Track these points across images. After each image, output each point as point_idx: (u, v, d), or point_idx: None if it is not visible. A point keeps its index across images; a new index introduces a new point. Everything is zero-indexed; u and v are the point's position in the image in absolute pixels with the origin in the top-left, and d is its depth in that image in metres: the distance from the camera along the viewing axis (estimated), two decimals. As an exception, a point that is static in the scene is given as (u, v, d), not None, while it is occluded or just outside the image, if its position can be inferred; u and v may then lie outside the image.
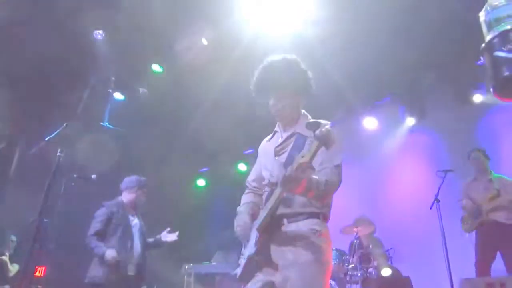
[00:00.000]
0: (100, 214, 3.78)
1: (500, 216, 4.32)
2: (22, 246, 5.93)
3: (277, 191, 1.88)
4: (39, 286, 5.34)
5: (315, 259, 1.87)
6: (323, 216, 2.01)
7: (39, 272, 5.83)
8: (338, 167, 1.93)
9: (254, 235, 2.02)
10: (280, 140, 2.16)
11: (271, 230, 1.98)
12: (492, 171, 4.64)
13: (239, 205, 2.32)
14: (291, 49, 2.56)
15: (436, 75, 5.78)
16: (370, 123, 6.62)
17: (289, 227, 1.97)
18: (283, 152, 2.10)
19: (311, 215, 1.96)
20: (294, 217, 1.97)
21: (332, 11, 4.81)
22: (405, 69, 5.89)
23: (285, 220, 1.98)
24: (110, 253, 3.45)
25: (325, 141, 1.68)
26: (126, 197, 4.06)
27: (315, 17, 4.94)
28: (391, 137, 6.65)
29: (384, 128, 6.66)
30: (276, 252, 1.96)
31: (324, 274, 1.89)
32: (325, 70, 5.21)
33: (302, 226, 1.94)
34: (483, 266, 4.32)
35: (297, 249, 1.90)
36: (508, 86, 1.32)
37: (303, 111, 2.21)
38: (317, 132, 1.68)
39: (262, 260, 1.98)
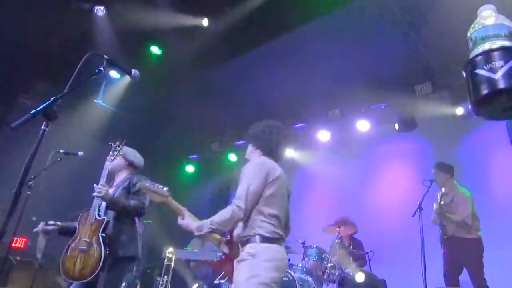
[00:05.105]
0: None
1: (450, 230, 4.53)
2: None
3: None
4: (17, 257, 5.33)
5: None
6: None
7: (19, 243, 5.82)
8: None
9: None
10: None
11: None
12: (456, 183, 4.71)
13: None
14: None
15: (431, 85, 5.79)
16: (363, 126, 6.64)
17: None
18: None
19: None
20: None
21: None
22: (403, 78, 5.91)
23: None
24: None
25: None
26: None
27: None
28: (382, 141, 6.68)
29: (375, 132, 6.68)
30: None
31: None
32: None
33: None
34: (449, 277, 4.48)
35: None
36: (486, 105, 1.32)
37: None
38: None
39: None
